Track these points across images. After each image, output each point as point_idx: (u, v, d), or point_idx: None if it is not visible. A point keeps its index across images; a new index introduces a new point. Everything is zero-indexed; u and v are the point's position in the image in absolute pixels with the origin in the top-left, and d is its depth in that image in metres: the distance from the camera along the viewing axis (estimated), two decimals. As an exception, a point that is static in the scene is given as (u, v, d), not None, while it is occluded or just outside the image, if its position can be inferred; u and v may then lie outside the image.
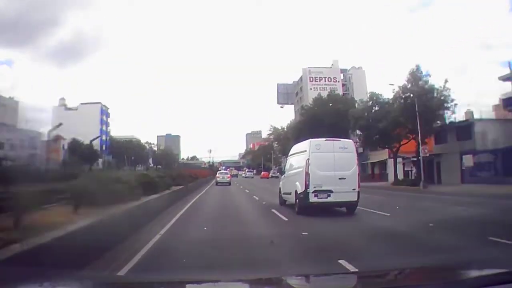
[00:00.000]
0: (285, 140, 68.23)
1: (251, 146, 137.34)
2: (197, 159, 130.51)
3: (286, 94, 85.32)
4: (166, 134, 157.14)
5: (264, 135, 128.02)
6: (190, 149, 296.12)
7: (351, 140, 12.57)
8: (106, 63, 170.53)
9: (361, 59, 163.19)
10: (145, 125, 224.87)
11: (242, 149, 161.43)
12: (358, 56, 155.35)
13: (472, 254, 6.16)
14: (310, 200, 11.37)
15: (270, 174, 68.13)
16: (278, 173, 64.21)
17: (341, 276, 3.63)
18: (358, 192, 11.69)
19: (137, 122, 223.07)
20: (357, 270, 4.58)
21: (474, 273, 2.75)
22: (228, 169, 61.06)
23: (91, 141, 49.91)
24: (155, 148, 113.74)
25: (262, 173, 73.85)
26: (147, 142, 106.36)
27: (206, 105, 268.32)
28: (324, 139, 12.34)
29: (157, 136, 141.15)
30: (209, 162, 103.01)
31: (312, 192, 11.34)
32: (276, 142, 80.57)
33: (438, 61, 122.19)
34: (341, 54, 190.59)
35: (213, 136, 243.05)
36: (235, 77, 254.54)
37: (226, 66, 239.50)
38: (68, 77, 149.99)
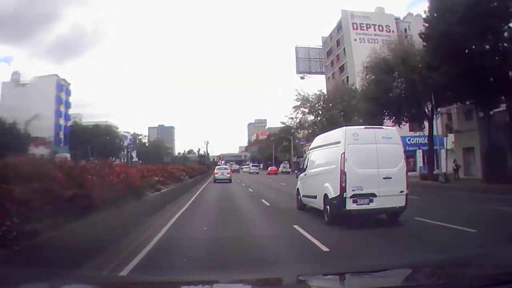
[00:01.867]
0: (322, 114, 48.25)
1: (254, 136, 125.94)
2: (194, 153, 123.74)
3: (308, 61, 65.53)
4: (159, 125, 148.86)
5: (270, 124, 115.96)
6: (187, 142, 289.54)
7: (394, 129, 10.11)
8: (95, 50, 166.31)
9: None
10: (136, 116, 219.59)
11: (243, 142, 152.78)
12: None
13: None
14: (347, 208, 8.96)
15: (279, 169, 61.54)
16: (290, 169, 58.04)
17: (340, 276, 3.52)
18: (407, 195, 9.36)
19: (128, 113, 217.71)
20: (356, 270, 4.29)
21: (474, 273, 2.82)
22: (228, 164, 57.41)
23: (26, 123, 36.98)
24: (145, 140, 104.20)
25: (269, 169, 63.10)
26: (133, 133, 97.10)
27: (202, 96, 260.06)
28: (363, 127, 9.88)
29: (149, 128, 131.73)
30: (199, 151, 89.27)
31: (350, 197, 8.93)
32: (311, 115, 50.58)
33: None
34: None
35: (211, 129, 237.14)
36: (235, 60, 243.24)
37: (224, 45, 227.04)
38: (63, 71, 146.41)
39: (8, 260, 3.83)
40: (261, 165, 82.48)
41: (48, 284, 2.73)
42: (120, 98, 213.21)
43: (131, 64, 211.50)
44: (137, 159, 77.52)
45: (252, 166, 71.77)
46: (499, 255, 4.82)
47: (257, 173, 61.32)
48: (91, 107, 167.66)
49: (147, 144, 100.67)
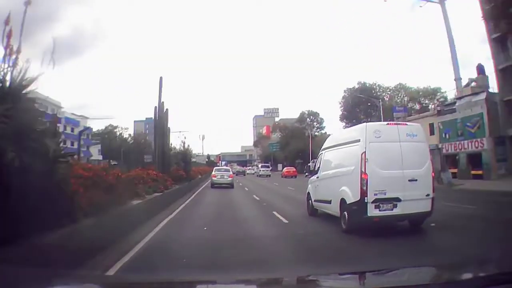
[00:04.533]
0: None
1: (265, 129, 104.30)
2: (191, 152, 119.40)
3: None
4: (146, 118, 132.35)
5: (283, 114, 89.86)
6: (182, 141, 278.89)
7: (419, 125, 9.54)
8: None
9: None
10: (139, 116, 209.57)
11: (247, 142, 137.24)
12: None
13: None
14: (369, 214, 8.33)
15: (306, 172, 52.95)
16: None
17: (340, 276, 3.64)
18: (432, 198, 8.79)
19: (131, 113, 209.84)
20: (356, 270, 4.13)
21: (474, 273, 2.85)
22: (229, 165, 52.46)
23: None
24: (127, 135, 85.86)
25: (284, 170, 51.47)
26: (109, 125, 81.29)
27: (198, 92, 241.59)
28: (386, 122, 9.27)
29: (134, 121, 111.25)
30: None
31: (372, 202, 8.31)
32: None
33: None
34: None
35: (209, 127, 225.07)
36: (232, 41, 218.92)
37: (218, 16, 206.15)
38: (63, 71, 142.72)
39: (7, 260, 3.91)
40: (280, 166, 66.40)
41: (48, 284, 2.78)
42: (120, 97, 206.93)
43: (129, 62, 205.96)
44: (101, 158, 61.92)
45: (262, 167, 59.85)
46: (499, 255, 4.92)
47: (269, 175, 51.87)
48: (90, 108, 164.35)
49: (129, 140, 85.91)
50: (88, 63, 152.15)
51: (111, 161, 60.29)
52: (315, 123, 68.88)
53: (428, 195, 8.70)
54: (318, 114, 72.12)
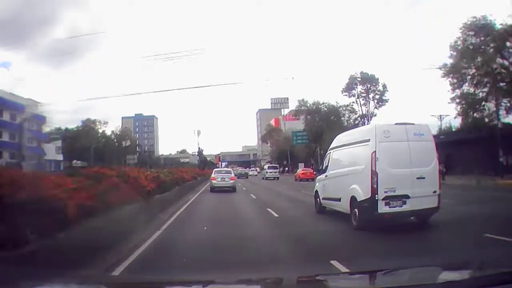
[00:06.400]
0: None
1: (273, 122, 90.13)
2: (187, 153, 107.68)
3: None
4: (136, 115, 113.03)
5: (293, 105, 65.64)
6: (179, 142, 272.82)
7: (427, 124, 10.10)
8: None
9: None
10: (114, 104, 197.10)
11: (249, 141, 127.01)
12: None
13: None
14: (379, 211, 8.85)
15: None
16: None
17: (340, 276, 3.86)
18: (439, 195, 9.33)
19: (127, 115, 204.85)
20: (356, 270, 4.47)
21: (474, 273, 2.93)
22: (229, 167, 52.00)
23: None
24: (108, 131, 76.88)
25: (300, 171, 45.60)
26: (86, 119, 73.83)
27: (195, 91, 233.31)
28: (394, 123, 9.79)
29: (122, 118, 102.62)
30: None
31: (382, 199, 8.83)
32: None
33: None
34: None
35: (208, 126, 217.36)
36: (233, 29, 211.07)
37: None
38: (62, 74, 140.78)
39: (8, 261, 3.98)
40: (303, 165, 54.91)
41: (48, 284, 2.83)
42: (117, 98, 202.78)
43: (126, 58, 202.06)
44: (61, 158, 51.65)
45: (269, 168, 53.34)
46: (499, 255, 5.10)
47: (277, 178, 48.13)
48: (90, 111, 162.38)
49: (113, 137, 78.85)
50: (85, 66, 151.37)
51: (74, 162, 50.59)
52: (371, 94, 46.48)
53: (435, 191, 9.22)
54: (378, 79, 47.93)
